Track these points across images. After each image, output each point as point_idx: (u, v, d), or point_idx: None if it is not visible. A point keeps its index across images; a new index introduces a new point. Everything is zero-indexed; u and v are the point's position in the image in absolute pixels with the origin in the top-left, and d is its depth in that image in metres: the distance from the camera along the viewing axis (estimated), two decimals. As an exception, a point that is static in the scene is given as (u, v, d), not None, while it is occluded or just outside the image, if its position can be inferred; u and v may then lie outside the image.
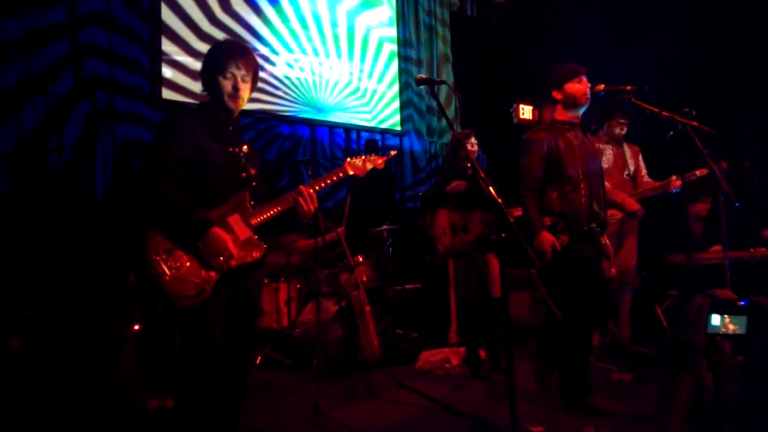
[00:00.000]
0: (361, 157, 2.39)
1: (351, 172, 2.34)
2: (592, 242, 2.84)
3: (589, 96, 2.84)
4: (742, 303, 1.02)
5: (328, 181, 2.25)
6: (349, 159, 2.38)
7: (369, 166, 2.40)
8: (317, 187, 2.18)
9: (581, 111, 2.92)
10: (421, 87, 6.15)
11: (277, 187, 5.00)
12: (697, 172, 3.69)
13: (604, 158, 3.94)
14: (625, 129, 4.03)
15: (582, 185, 2.79)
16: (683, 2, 4.95)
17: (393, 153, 2.57)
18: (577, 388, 2.82)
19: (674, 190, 3.78)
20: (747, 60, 4.67)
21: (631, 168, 4.03)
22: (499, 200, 1.91)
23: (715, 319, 1.01)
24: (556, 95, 2.92)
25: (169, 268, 1.89)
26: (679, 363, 1.02)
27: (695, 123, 2.57)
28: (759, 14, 4.62)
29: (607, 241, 3.02)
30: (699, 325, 1.01)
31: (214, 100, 2.11)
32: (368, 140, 5.92)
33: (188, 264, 1.92)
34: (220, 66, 2.08)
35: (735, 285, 3.67)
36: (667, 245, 4.29)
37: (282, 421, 2.91)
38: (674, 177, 3.75)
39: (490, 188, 1.93)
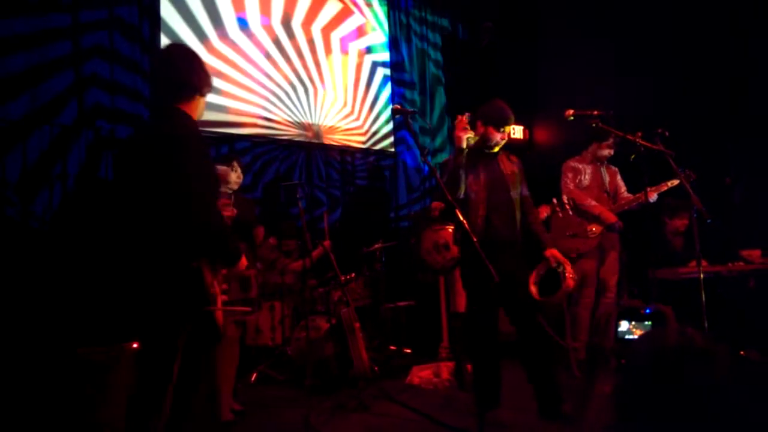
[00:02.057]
0: None
1: None
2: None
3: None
4: (647, 311, 1.16)
5: None
6: None
7: None
8: None
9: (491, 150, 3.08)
10: (416, 108, 6.47)
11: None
12: (669, 183, 3.86)
13: (584, 176, 4.11)
14: (611, 153, 4.18)
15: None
16: (664, 21, 5.14)
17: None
18: (550, 397, 2.95)
19: (651, 200, 3.90)
20: (728, 76, 4.85)
21: (609, 186, 4.18)
22: (463, 220, 2.07)
23: (624, 325, 1.16)
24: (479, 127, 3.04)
25: (220, 299, 1.98)
26: (594, 364, 1.16)
27: (656, 146, 2.73)
28: (738, 29, 4.80)
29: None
30: (609, 332, 1.16)
31: None
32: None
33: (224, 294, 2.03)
34: None
35: (714, 299, 3.80)
36: (648, 260, 4.42)
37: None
38: (648, 188, 3.88)
39: (456, 210, 2.10)
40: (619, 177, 4.21)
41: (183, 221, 1.89)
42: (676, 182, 3.69)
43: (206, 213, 1.91)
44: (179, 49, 2.30)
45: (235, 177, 3.39)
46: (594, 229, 3.94)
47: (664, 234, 4.52)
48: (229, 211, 2.98)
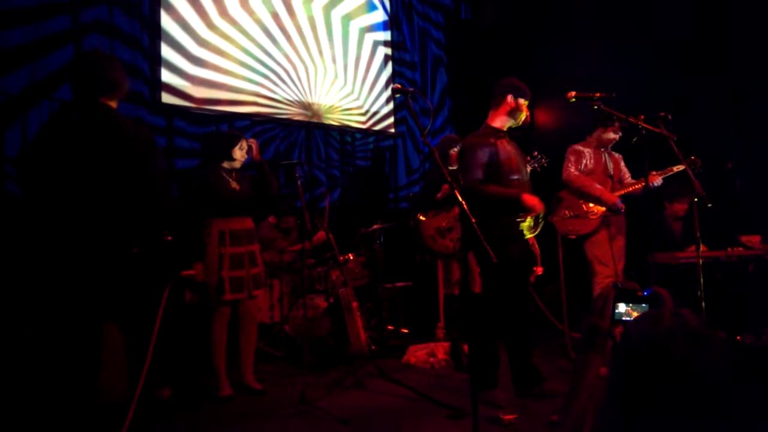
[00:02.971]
0: None
1: None
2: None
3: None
4: (645, 293, 1.17)
5: None
6: None
7: None
8: None
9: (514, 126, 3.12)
10: (417, 88, 6.42)
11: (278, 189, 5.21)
12: (674, 168, 3.81)
13: (588, 161, 4.07)
14: (617, 138, 4.12)
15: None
16: (670, 8, 5.08)
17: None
18: (528, 377, 3.04)
19: (653, 184, 3.88)
20: (732, 63, 4.80)
21: (613, 172, 4.14)
22: (463, 202, 2.07)
23: (621, 307, 1.17)
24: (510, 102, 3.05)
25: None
26: (588, 346, 1.17)
27: (658, 129, 2.72)
28: (744, 19, 4.74)
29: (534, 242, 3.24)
30: (606, 312, 1.17)
31: None
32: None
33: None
34: None
35: (713, 284, 3.82)
36: (648, 244, 4.43)
37: (271, 409, 3.09)
38: (653, 172, 3.85)
39: (456, 191, 2.09)
40: (623, 163, 4.18)
41: (151, 205, 2.25)
42: (682, 167, 3.65)
43: (168, 198, 2.31)
44: (103, 54, 2.52)
45: (239, 155, 3.39)
46: (595, 210, 3.93)
47: (664, 218, 4.52)
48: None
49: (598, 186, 3.93)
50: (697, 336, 0.86)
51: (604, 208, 3.93)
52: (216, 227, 3.26)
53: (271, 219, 4.73)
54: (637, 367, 0.86)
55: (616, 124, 3.99)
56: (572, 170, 4.03)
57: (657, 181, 3.84)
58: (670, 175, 3.88)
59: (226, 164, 3.38)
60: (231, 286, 3.23)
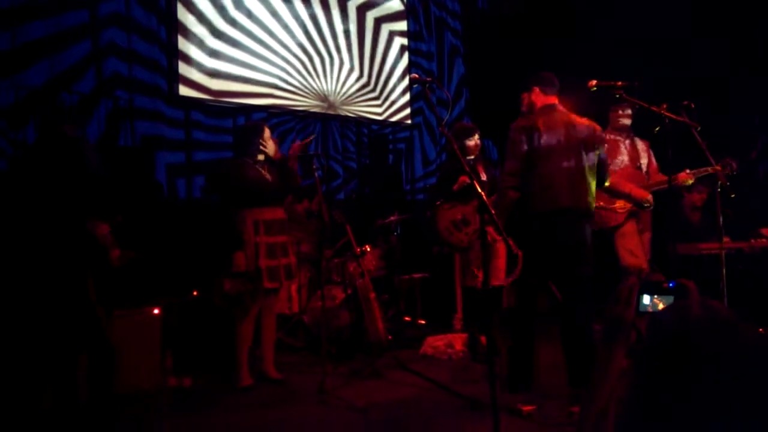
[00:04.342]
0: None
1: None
2: None
3: None
4: (670, 285, 1.15)
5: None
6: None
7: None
8: None
9: None
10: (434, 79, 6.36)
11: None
12: (710, 169, 3.54)
13: (621, 150, 3.95)
14: (629, 119, 4.00)
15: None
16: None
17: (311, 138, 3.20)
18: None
19: (685, 183, 3.70)
20: (754, 52, 4.69)
21: (644, 161, 4.03)
22: (483, 193, 2.06)
23: (646, 299, 1.15)
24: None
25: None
26: (612, 337, 1.16)
27: (681, 118, 2.66)
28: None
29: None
30: (631, 303, 1.15)
31: None
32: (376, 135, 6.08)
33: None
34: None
35: (735, 275, 3.74)
36: (668, 235, 4.36)
37: (290, 397, 3.14)
38: (687, 171, 3.68)
39: (475, 182, 2.08)
40: (651, 152, 4.02)
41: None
42: (719, 168, 3.43)
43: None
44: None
45: (269, 145, 3.43)
46: (624, 205, 3.80)
47: (682, 207, 4.44)
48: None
49: (626, 182, 3.76)
50: (727, 325, 0.84)
51: (630, 204, 3.76)
52: (250, 217, 3.28)
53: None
54: (664, 360, 0.85)
55: (626, 103, 3.80)
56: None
57: (689, 180, 3.67)
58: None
59: (257, 155, 3.39)
60: (268, 275, 3.26)
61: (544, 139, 2.82)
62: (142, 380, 3.28)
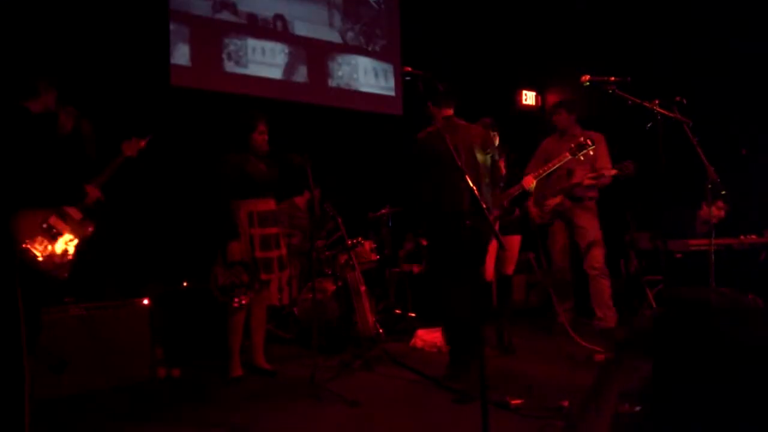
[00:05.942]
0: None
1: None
2: None
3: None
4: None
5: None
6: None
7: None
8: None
9: None
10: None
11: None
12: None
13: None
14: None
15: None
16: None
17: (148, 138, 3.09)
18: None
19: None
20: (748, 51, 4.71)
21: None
22: (473, 186, 2.06)
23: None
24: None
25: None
26: (632, 347, 1.16)
27: (674, 115, 2.67)
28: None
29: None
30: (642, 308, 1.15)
31: None
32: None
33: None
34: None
35: (723, 272, 3.76)
36: (658, 232, 4.38)
37: (281, 389, 3.14)
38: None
39: (467, 176, 2.08)
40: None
41: None
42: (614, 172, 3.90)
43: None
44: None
45: (260, 137, 3.39)
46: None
47: (694, 217, 4.44)
48: None
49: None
50: (740, 311, 0.84)
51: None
52: (244, 209, 3.26)
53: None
54: (684, 351, 0.85)
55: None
56: None
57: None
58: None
59: (251, 146, 3.36)
60: (263, 266, 3.25)
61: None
62: (131, 371, 3.28)
